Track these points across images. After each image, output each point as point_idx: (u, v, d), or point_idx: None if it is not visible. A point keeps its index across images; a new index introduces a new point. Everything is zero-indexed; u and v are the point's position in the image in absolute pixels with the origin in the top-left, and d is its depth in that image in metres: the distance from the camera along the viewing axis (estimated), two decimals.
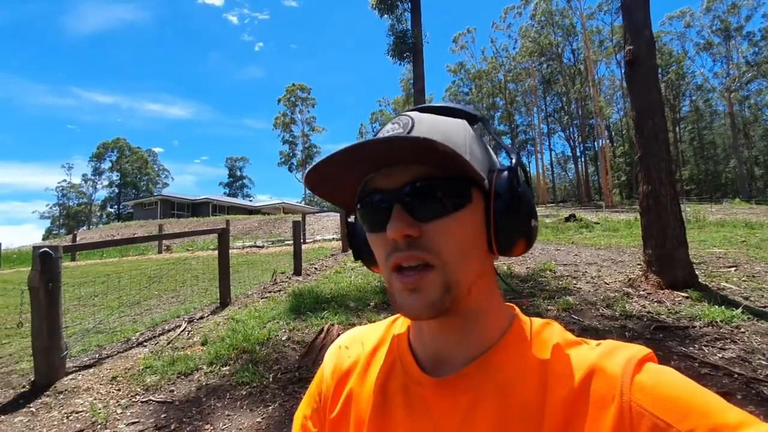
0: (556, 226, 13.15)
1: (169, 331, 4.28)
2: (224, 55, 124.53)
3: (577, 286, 4.74)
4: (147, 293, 6.87)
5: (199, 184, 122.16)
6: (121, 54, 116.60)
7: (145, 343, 3.94)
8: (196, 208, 39.94)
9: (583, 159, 45.47)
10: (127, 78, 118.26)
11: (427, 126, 0.43)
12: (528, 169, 0.46)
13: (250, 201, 53.96)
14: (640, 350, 0.40)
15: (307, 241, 14.36)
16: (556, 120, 47.18)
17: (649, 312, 3.66)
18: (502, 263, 5.80)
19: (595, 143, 43.09)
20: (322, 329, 3.75)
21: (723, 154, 43.39)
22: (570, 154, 47.49)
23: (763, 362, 2.62)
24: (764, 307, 3.64)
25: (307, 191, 54.84)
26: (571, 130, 45.37)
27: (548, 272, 5.44)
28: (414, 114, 0.46)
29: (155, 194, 45.23)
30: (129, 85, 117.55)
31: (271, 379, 2.95)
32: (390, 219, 0.41)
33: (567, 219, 14.35)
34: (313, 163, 0.41)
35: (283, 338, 3.68)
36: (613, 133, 46.66)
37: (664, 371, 0.38)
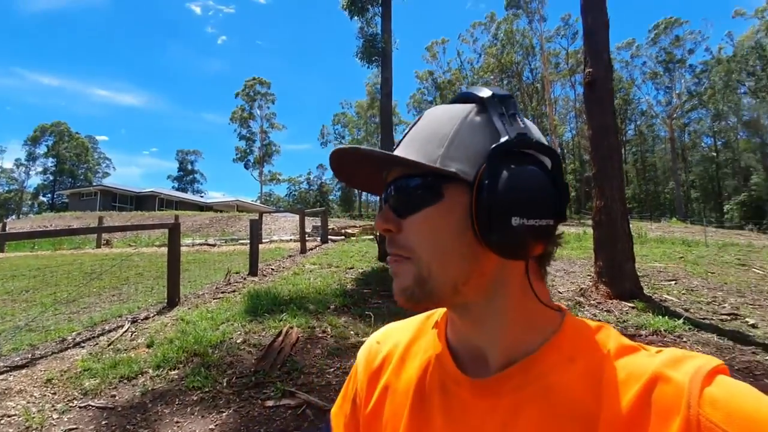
0: None
1: (110, 331, 3.97)
2: (184, 46, 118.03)
3: None
4: (84, 290, 6.35)
5: (147, 177, 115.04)
6: (72, 36, 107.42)
7: (82, 344, 3.63)
8: (141, 202, 37.62)
9: None
10: (76, 61, 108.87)
11: (422, 125, 0.45)
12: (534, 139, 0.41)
13: (202, 197, 51.63)
14: (709, 360, 0.36)
15: (263, 241, 13.93)
16: None
17: (599, 320, 3.82)
18: None
19: None
20: (281, 332, 3.61)
21: (663, 177, 46.62)
22: None
23: None
24: (703, 319, 3.93)
25: (264, 189, 53.69)
26: None
27: None
28: (428, 110, 0.47)
29: (95, 184, 42.22)
30: (78, 69, 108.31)
31: (225, 384, 2.79)
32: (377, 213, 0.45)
33: None
34: (330, 152, 0.44)
35: (238, 341, 3.51)
36: (565, 151, 49.19)
37: (739, 385, 0.35)
